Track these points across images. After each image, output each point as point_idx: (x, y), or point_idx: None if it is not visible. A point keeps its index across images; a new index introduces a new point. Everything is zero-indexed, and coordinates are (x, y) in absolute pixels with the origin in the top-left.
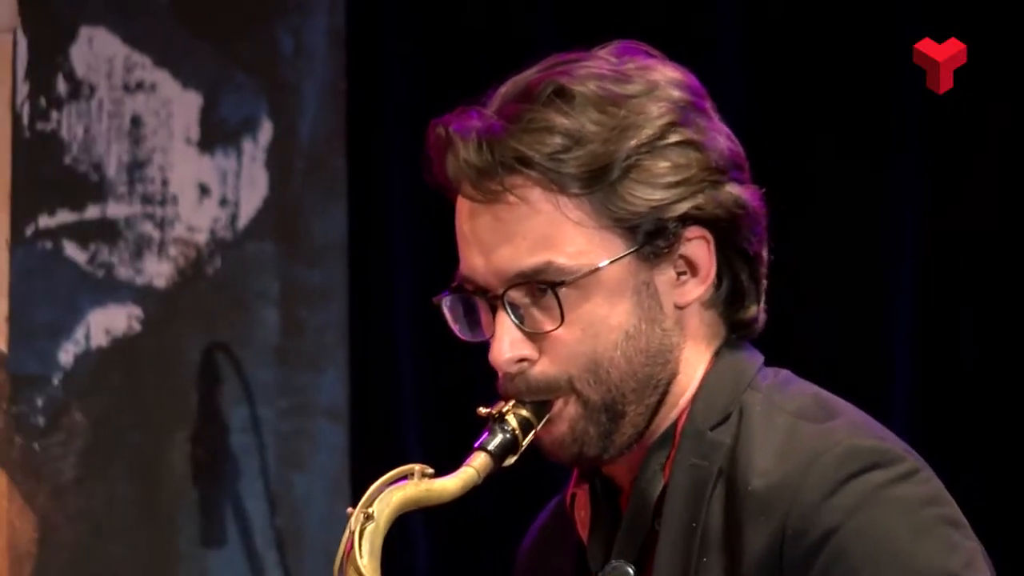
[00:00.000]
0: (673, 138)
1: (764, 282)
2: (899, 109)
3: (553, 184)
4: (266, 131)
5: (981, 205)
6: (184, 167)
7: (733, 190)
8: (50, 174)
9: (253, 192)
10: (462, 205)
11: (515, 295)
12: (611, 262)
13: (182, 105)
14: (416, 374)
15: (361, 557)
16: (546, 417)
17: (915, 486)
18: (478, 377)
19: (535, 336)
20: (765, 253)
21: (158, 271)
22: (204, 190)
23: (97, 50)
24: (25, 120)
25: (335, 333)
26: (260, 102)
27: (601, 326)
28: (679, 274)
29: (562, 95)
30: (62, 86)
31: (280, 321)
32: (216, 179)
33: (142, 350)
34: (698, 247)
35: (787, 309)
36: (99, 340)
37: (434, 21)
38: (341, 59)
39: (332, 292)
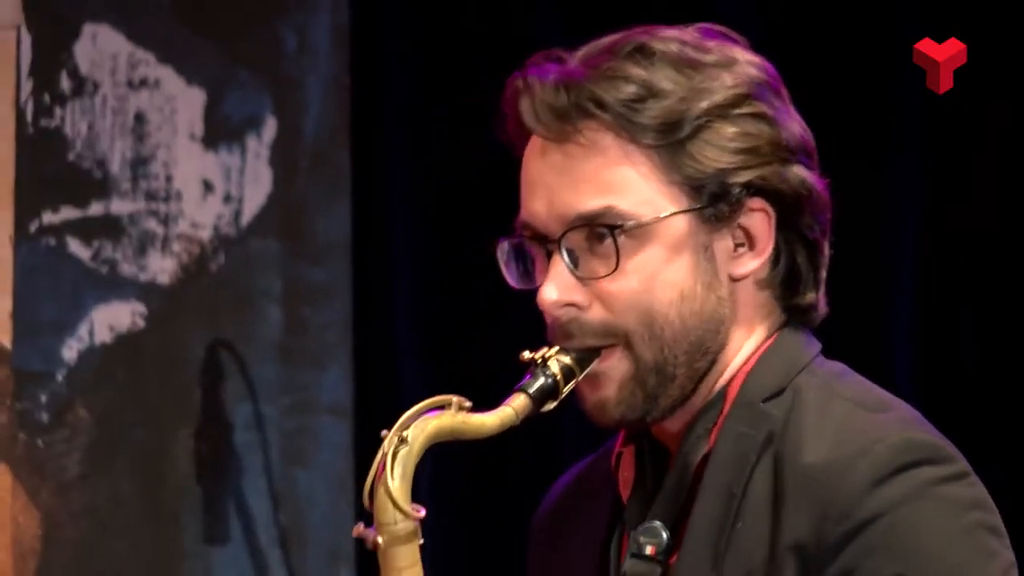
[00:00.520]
0: (746, 108)
1: (823, 272)
2: (899, 109)
3: (625, 132)
4: (270, 128)
5: (981, 205)
6: (188, 164)
7: (800, 172)
8: (54, 171)
9: (257, 189)
10: (532, 148)
11: (573, 240)
12: (672, 214)
13: (186, 102)
14: (419, 371)
15: (392, 480)
16: (590, 367)
17: (964, 488)
18: (482, 374)
19: (588, 283)
20: (826, 245)
21: (162, 268)
22: (208, 187)
23: (101, 47)
24: (29, 117)
25: (339, 330)
26: (264, 99)
27: (657, 280)
28: (737, 245)
29: (642, 51)
30: (66, 83)
31: (284, 318)
32: (220, 176)
33: (146, 347)
34: (759, 220)
35: None
36: (103, 337)
37: (437, 18)
38: (345, 56)
39: (336, 289)
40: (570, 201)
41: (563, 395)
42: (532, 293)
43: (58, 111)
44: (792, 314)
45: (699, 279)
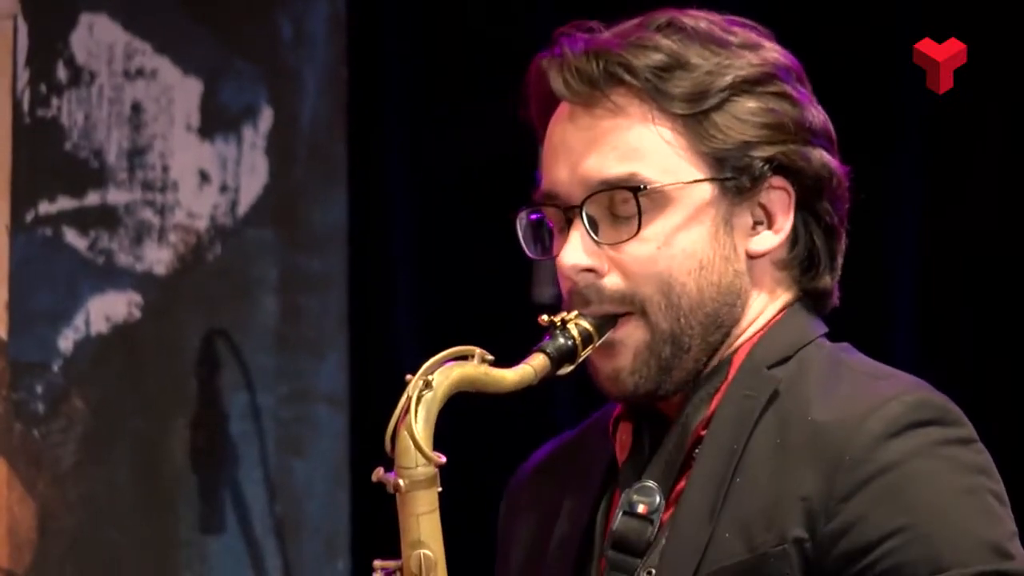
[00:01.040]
0: (770, 87)
1: (840, 259)
2: (899, 109)
3: (652, 100)
4: (266, 118)
5: (981, 205)
6: (184, 154)
7: (823, 155)
8: (50, 161)
9: (253, 179)
10: (559, 116)
11: (594, 207)
12: (695, 181)
13: (182, 92)
14: (416, 361)
15: (416, 422)
16: (607, 335)
17: (972, 453)
18: None
19: (608, 249)
20: (844, 233)
21: (158, 258)
22: (204, 177)
23: (98, 37)
24: (25, 107)
25: (335, 319)
26: (260, 89)
27: (676, 247)
28: (756, 223)
29: (672, 26)
30: (62, 73)
31: (280, 308)
32: (216, 166)
33: (142, 337)
34: (779, 197)
35: None
36: (99, 327)
37: (434, 8)
38: (341, 46)
39: (332, 278)
40: (595, 166)
41: (580, 359)
42: (529, 283)
43: (55, 101)
44: (807, 297)
45: (718, 251)
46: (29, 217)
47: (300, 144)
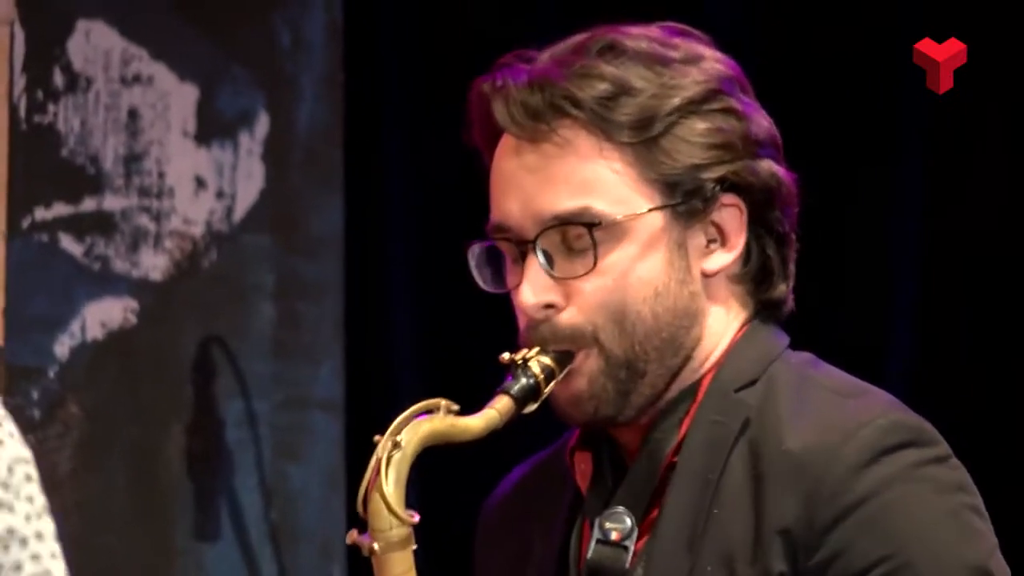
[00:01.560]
0: (716, 104)
1: (792, 265)
2: (899, 109)
3: (599, 130)
4: (263, 124)
5: (981, 205)
6: (181, 160)
7: (770, 165)
8: (46, 167)
9: (250, 185)
10: (505, 149)
11: (548, 241)
12: (648, 211)
13: (179, 98)
14: (412, 366)
15: (387, 484)
16: (567, 368)
17: (948, 471)
18: (475, 369)
19: (564, 283)
20: (794, 238)
21: (154, 264)
22: (200, 183)
23: (94, 43)
24: (22, 112)
25: (331, 326)
26: (257, 95)
27: (632, 277)
28: (709, 242)
29: (612, 50)
30: (59, 79)
31: (276, 314)
32: (212, 172)
33: (138, 343)
34: (731, 215)
35: None
36: (95, 333)
37: (431, 13)
38: (338, 52)
39: (328, 285)
40: (546, 201)
41: (544, 395)
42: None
43: (51, 107)
44: (763, 308)
45: (673, 275)
46: (25, 223)
47: (297, 150)
